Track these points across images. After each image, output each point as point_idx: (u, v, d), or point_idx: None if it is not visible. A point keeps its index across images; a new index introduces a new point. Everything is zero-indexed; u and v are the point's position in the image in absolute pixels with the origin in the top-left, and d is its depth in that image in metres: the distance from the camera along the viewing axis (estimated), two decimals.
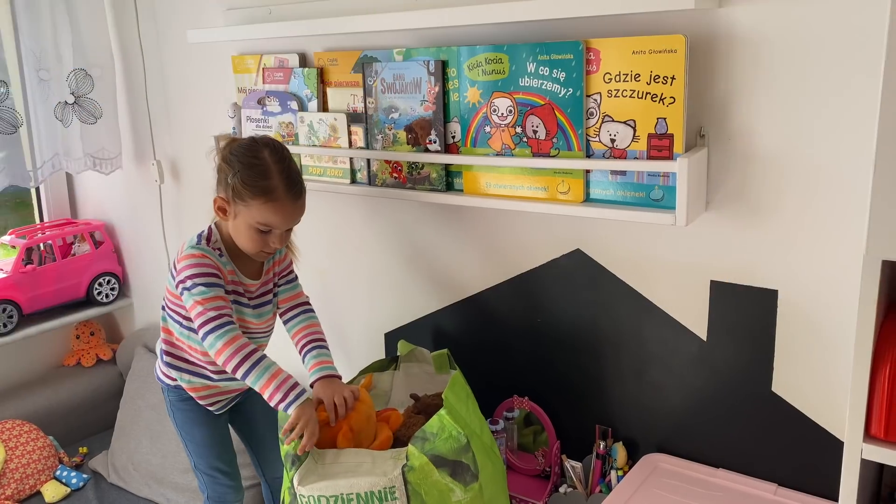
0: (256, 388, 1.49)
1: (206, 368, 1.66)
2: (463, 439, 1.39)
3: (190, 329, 1.58)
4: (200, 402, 1.71)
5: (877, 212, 0.89)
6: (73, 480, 2.26)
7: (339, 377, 1.59)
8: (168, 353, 1.67)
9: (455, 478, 1.40)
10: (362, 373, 1.75)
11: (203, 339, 1.50)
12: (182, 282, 1.52)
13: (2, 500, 2.15)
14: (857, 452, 0.99)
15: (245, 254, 1.59)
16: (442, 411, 1.42)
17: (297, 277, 1.76)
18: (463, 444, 1.39)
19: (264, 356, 1.52)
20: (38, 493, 2.23)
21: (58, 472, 2.28)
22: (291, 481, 1.42)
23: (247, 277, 1.63)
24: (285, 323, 1.72)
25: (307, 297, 1.76)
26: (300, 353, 1.66)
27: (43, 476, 2.25)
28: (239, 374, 1.48)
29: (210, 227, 1.62)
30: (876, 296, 0.93)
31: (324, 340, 1.69)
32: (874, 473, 1.25)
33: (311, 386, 1.57)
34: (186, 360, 1.67)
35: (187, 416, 1.73)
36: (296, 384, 1.49)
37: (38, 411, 2.40)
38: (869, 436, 0.99)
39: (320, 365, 1.59)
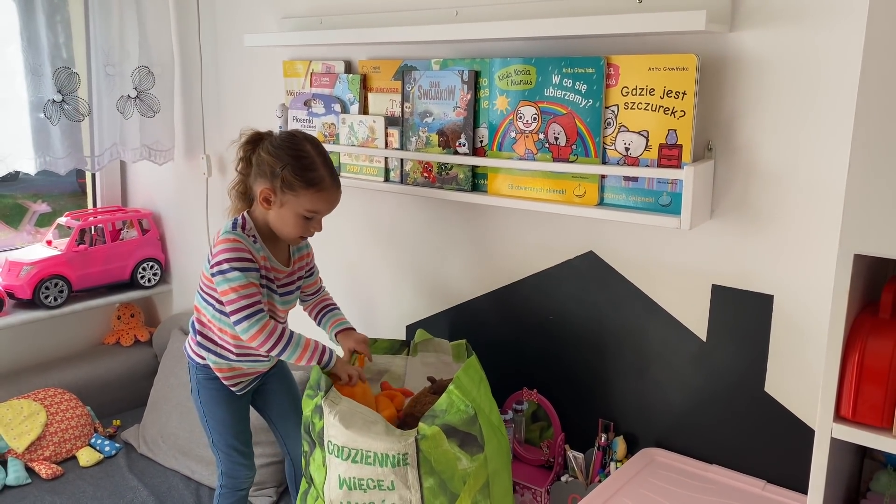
0: (293, 361, 1.67)
1: (231, 352, 1.77)
2: (471, 411, 1.51)
3: (222, 313, 1.69)
4: (225, 383, 1.81)
5: (850, 208, 1.00)
6: (107, 448, 2.40)
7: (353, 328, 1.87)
8: (200, 334, 1.79)
9: (463, 448, 1.51)
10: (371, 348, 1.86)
11: (236, 324, 1.63)
12: (218, 264, 1.63)
13: (40, 460, 2.30)
14: (827, 431, 1.09)
15: (276, 241, 1.73)
16: (451, 386, 1.53)
17: (317, 269, 1.92)
18: (471, 415, 1.51)
19: (292, 332, 1.68)
20: (74, 457, 2.37)
21: (93, 440, 2.43)
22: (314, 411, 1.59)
23: (280, 263, 1.75)
24: (302, 302, 1.91)
25: (323, 284, 1.94)
26: (316, 316, 1.91)
27: (79, 442, 2.40)
28: (275, 353, 1.65)
29: (244, 216, 1.72)
30: (848, 287, 1.03)
31: (335, 304, 1.92)
32: (853, 468, 1.34)
33: (336, 336, 1.85)
34: (215, 342, 1.77)
35: (211, 395, 1.83)
36: (325, 347, 1.69)
37: (78, 383, 2.56)
38: (839, 416, 1.08)
39: (338, 321, 1.87)
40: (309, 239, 1.82)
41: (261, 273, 1.69)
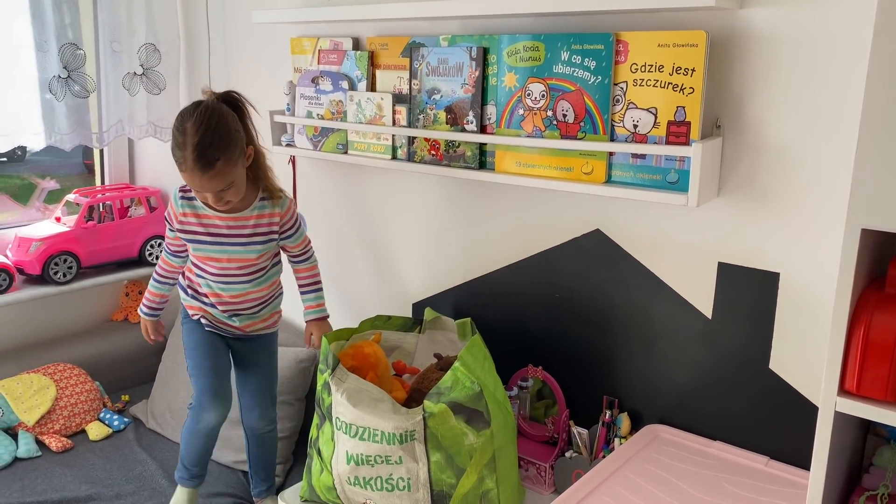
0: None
1: (185, 291, 1.96)
2: (476, 388, 1.52)
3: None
4: (193, 318, 1.96)
5: (858, 182, 1.00)
6: (116, 423, 2.43)
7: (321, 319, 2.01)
8: (183, 276, 1.99)
9: (469, 423, 1.53)
10: (382, 324, 1.88)
11: None
12: None
13: (51, 433, 2.33)
14: (831, 405, 1.09)
15: None
16: (456, 364, 1.55)
17: (309, 257, 2.00)
18: (476, 391, 1.52)
19: (159, 278, 2.00)
20: (84, 431, 2.40)
21: (102, 415, 2.46)
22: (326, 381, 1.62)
23: (217, 212, 1.82)
24: (292, 264, 2.01)
25: (308, 244, 2.00)
26: (300, 291, 2.03)
27: (88, 416, 2.43)
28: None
29: None
30: (854, 261, 1.04)
31: (311, 286, 2.01)
32: (856, 444, 1.35)
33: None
34: (186, 284, 1.96)
35: (188, 327, 1.98)
36: (143, 307, 2.06)
37: (87, 359, 2.58)
38: (843, 390, 1.09)
39: (308, 309, 2.01)
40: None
41: (178, 228, 1.86)
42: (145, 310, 2.05)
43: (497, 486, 1.56)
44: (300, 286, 2.01)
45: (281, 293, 2.03)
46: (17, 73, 2.21)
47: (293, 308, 2.46)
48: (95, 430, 2.39)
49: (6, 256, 2.46)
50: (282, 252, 1.97)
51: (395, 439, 1.52)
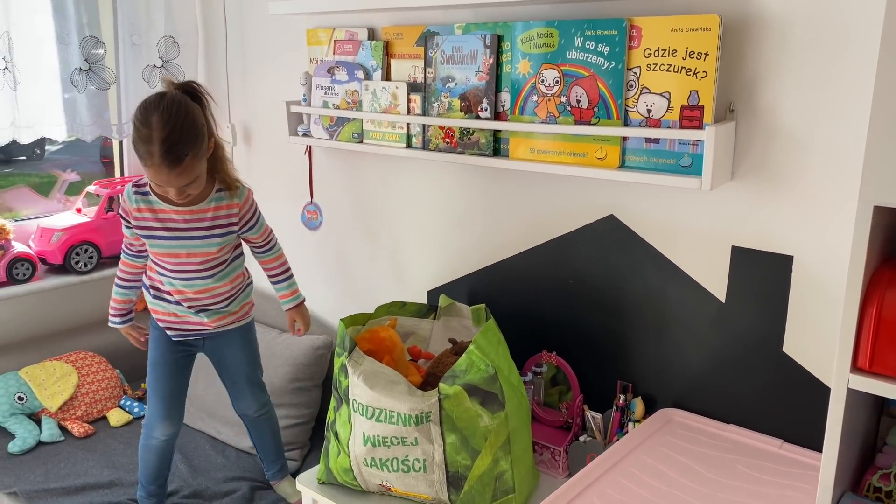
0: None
1: (149, 290, 1.93)
2: (491, 370, 1.54)
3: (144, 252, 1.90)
4: (160, 324, 1.94)
5: (870, 159, 1.01)
6: (136, 410, 2.47)
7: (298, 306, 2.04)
8: (146, 276, 1.95)
9: (484, 406, 1.55)
10: (398, 310, 1.90)
11: None
12: None
13: (73, 419, 2.37)
14: (843, 382, 1.10)
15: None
16: (470, 347, 1.56)
17: (272, 247, 2.00)
18: (491, 374, 1.54)
19: (122, 282, 1.94)
20: (104, 417, 2.45)
21: (122, 402, 2.50)
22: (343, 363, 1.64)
23: (173, 206, 1.79)
24: (254, 255, 2.01)
25: (269, 234, 1.99)
26: (271, 282, 2.05)
27: (109, 403, 2.48)
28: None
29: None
30: (867, 238, 1.04)
31: (281, 276, 2.02)
32: (869, 425, 1.35)
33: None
34: (150, 284, 1.93)
35: (152, 336, 1.98)
36: (112, 315, 1.97)
37: (108, 347, 2.63)
38: (855, 368, 1.10)
39: (283, 298, 2.04)
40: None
41: (134, 224, 1.83)
42: (116, 319, 1.98)
43: (512, 467, 1.57)
44: (269, 277, 2.02)
45: (249, 283, 2.02)
46: (39, 67, 2.25)
47: (309, 293, 2.49)
48: (116, 417, 2.43)
49: (29, 246, 2.51)
50: (244, 244, 1.97)
51: (411, 421, 1.54)
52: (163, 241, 1.82)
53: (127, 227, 1.85)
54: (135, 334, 2.02)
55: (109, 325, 2.00)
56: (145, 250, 1.88)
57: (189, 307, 1.89)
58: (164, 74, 2.04)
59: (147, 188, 1.81)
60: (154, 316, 1.95)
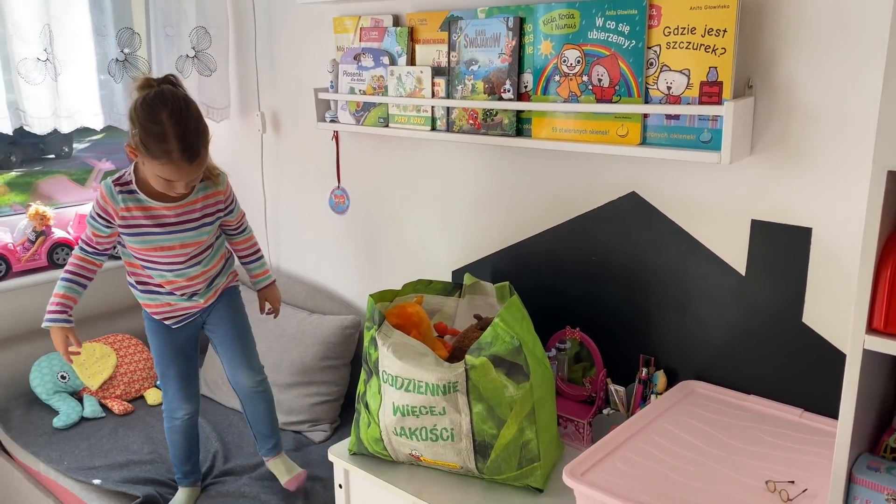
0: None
1: (136, 287, 1.93)
2: (515, 342, 1.59)
3: (123, 247, 1.88)
4: (156, 317, 1.95)
5: (884, 124, 1.04)
6: None
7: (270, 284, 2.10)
8: (129, 274, 1.95)
9: (509, 376, 1.60)
10: (424, 288, 1.94)
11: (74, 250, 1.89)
12: (87, 224, 1.86)
13: (113, 397, 2.47)
14: (859, 343, 1.14)
15: None
16: (496, 320, 1.61)
17: (244, 228, 2.04)
18: (516, 345, 1.59)
19: (64, 280, 1.86)
20: (142, 396, 2.54)
21: (158, 382, 2.59)
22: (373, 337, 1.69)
23: (163, 203, 1.81)
24: (228, 238, 2.04)
25: (243, 217, 2.03)
26: (242, 262, 2.09)
27: (146, 383, 2.57)
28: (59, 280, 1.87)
29: (126, 170, 1.83)
30: (881, 202, 1.08)
31: (253, 256, 2.08)
32: (886, 394, 1.38)
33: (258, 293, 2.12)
34: (136, 281, 1.93)
35: (149, 327, 2.00)
36: (49, 311, 1.85)
37: (143, 330, 2.70)
38: (871, 329, 1.13)
39: (256, 278, 2.09)
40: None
41: (120, 223, 1.81)
42: (56, 315, 1.81)
43: (537, 436, 1.62)
44: (241, 258, 2.06)
45: (230, 255, 2.06)
46: (77, 58, 2.33)
47: (337, 275, 2.56)
48: (153, 396, 2.52)
49: (68, 233, 2.61)
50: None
51: (439, 390, 1.60)
52: (154, 236, 1.82)
53: (106, 225, 1.81)
54: (72, 339, 1.85)
55: (43, 325, 1.83)
56: (109, 250, 1.87)
57: (181, 295, 1.92)
58: (140, 74, 2.04)
59: (133, 186, 1.79)
60: (147, 309, 1.96)
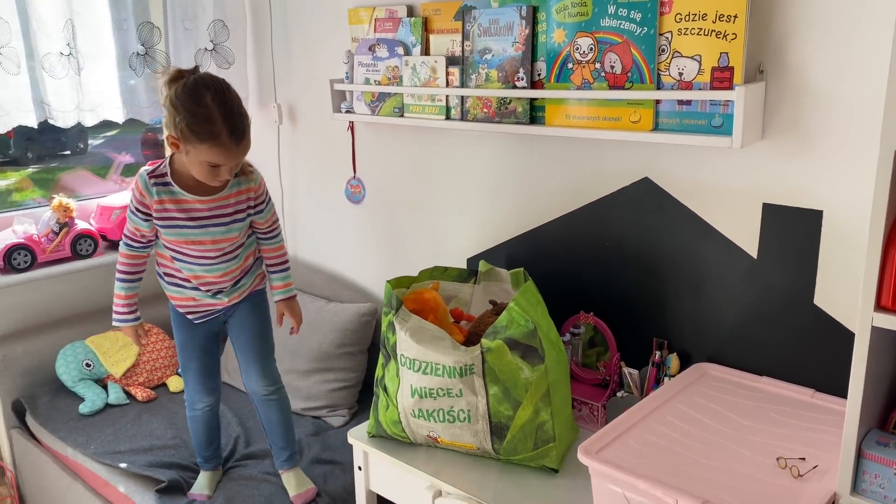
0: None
1: (164, 278, 1.96)
2: (531, 325, 1.62)
3: (156, 237, 1.89)
4: (180, 310, 1.98)
5: (892, 104, 1.06)
6: None
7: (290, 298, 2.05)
8: (158, 265, 1.97)
9: (524, 359, 1.63)
10: (440, 274, 1.98)
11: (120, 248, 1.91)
12: (126, 220, 1.88)
13: (136, 385, 2.52)
14: (868, 321, 1.16)
15: None
16: (511, 304, 1.65)
17: (269, 203, 1.97)
18: (531, 329, 1.62)
19: (125, 276, 1.91)
20: (164, 384, 2.60)
21: (179, 370, 2.64)
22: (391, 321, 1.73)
23: (197, 196, 1.82)
24: (259, 242, 2.00)
25: (276, 221, 2.00)
26: (268, 270, 2.05)
27: (168, 371, 2.62)
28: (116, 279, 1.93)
29: (162, 162, 1.83)
30: (889, 181, 1.10)
31: (279, 266, 2.03)
32: (893, 370, 1.40)
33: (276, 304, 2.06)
34: (164, 272, 1.95)
35: (174, 319, 2.02)
36: (115, 314, 1.94)
37: (164, 319, 2.74)
38: (879, 307, 1.16)
39: (277, 289, 2.04)
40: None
41: (156, 216, 1.82)
42: (125, 317, 1.93)
43: (552, 418, 1.66)
44: (268, 266, 2.03)
45: (259, 258, 2.04)
46: (99, 52, 2.38)
47: (353, 264, 2.60)
48: (175, 384, 2.58)
49: (90, 224, 2.66)
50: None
51: (456, 373, 1.63)
52: (186, 229, 1.83)
53: (144, 219, 1.83)
54: (141, 332, 1.98)
55: (114, 323, 1.94)
56: (154, 240, 1.88)
57: (206, 291, 1.93)
58: (158, 67, 1.98)
59: (168, 178, 1.80)
60: (172, 302, 1.98)
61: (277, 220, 2.01)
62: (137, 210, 1.82)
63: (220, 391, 2.12)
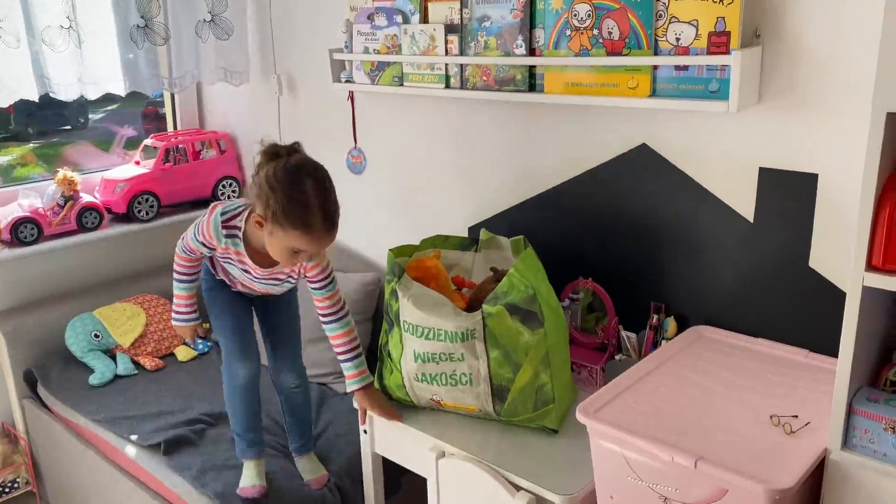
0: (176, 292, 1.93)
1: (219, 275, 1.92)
2: (530, 291, 1.65)
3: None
4: (217, 278, 1.92)
5: (883, 67, 1.08)
6: (200, 347, 2.66)
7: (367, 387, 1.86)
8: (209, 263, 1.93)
9: (524, 323, 1.67)
10: (441, 243, 2.00)
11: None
12: (186, 234, 1.81)
13: (144, 354, 2.57)
14: (859, 280, 1.19)
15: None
16: (511, 270, 1.68)
17: (330, 283, 1.83)
18: (530, 294, 1.65)
19: (184, 278, 1.88)
20: (172, 353, 2.64)
21: (187, 340, 2.69)
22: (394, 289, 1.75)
23: (257, 264, 1.78)
24: (323, 325, 1.88)
25: (340, 300, 1.86)
26: (339, 358, 1.89)
27: (175, 341, 2.67)
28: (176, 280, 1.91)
29: (242, 212, 1.75)
30: (881, 144, 1.12)
31: (350, 354, 1.86)
32: (887, 332, 1.43)
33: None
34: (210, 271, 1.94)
35: (207, 284, 1.95)
36: (176, 317, 1.97)
37: (170, 290, 2.80)
38: (870, 267, 1.18)
39: (350, 379, 1.86)
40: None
41: (218, 254, 1.79)
42: (186, 316, 1.94)
43: (551, 380, 1.70)
44: (338, 353, 1.88)
45: None
46: (99, 25, 2.38)
47: (356, 235, 2.63)
48: (183, 353, 2.62)
49: (95, 197, 2.69)
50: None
51: (458, 337, 1.67)
52: (240, 272, 1.83)
53: (207, 250, 1.80)
54: (199, 331, 1.99)
55: (174, 322, 1.96)
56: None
57: (248, 296, 1.95)
58: (265, 136, 1.74)
59: (237, 232, 1.75)
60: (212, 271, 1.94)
61: (344, 302, 1.87)
62: (202, 244, 1.79)
63: (260, 365, 1.97)
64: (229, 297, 1.94)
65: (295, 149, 1.67)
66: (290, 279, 1.88)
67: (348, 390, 1.89)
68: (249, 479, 1.91)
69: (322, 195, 1.62)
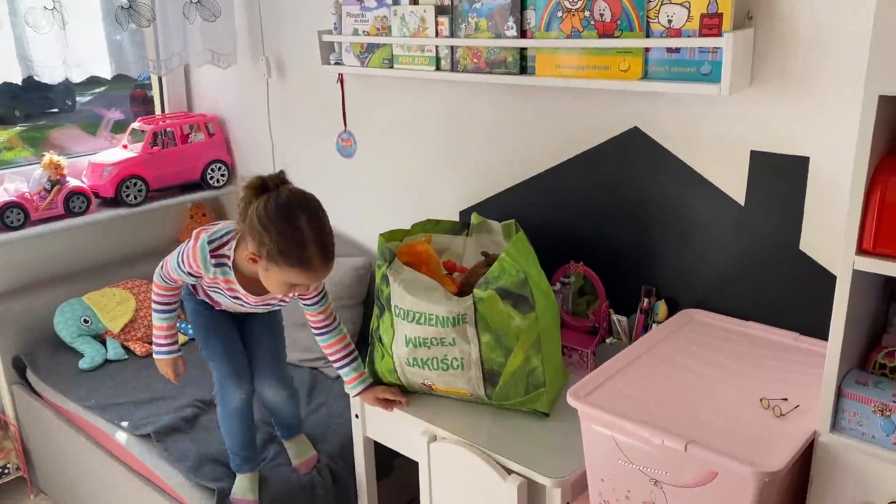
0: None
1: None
2: (521, 275, 1.65)
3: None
4: (197, 297, 1.87)
5: (876, 50, 1.07)
6: (190, 331, 2.63)
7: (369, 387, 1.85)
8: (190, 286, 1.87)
9: (515, 308, 1.66)
10: (432, 227, 1.99)
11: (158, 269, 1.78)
12: (166, 262, 1.73)
13: (135, 340, 2.56)
14: (849, 264, 1.19)
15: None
16: (502, 255, 1.67)
17: (322, 298, 1.81)
18: (522, 278, 1.65)
19: (163, 307, 1.82)
20: None
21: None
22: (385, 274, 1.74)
23: (249, 292, 1.73)
24: (316, 337, 1.87)
25: (332, 312, 1.85)
26: (335, 365, 1.89)
27: None
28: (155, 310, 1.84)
29: (229, 240, 1.68)
30: (872, 127, 1.11)
31: (346, 359, 1.86)
32: (877, 315, 1.43)
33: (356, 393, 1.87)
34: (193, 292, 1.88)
35: (192, 308, 1.90)
36: (157, 349, 1.87)
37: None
38: (861, 251, 1.18)
39: (350, 383, 1.86)
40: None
41: (205, 283, 1.75)
42: (168, 348, 1.86)
43: (542, 364, 1.70)
44: (333, 361, 1.87)
45: None
46: (82, 6, 2.35)
47: (346, 219, 2.61)
48: None
49: (82, 181, 2.66)
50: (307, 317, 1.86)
51: (449, 322, 1.67)
52: (229, 300, 1.78)
53: (192, 279, 1.75)
54: (180, 364, 1.91)
55: (155, 356, 1.88)
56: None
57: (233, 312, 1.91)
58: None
59: (227, 261, 1.68)
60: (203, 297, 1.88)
61: (333, 310, 1.85)
62: (186, 273, 1.71)
63: (253, 386, 1.94)
64: (214, 318, 1.89)
65: (282, 179, 1.61)
66: (282, 303, 1.86)
67: (352, 394, 1.88)
68: (242, 491, 1.90)
69: (317, 229, 1.57)
